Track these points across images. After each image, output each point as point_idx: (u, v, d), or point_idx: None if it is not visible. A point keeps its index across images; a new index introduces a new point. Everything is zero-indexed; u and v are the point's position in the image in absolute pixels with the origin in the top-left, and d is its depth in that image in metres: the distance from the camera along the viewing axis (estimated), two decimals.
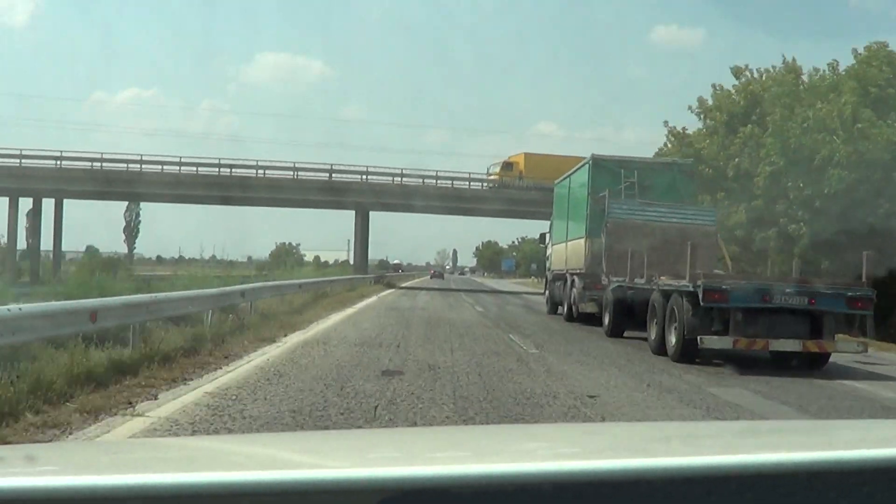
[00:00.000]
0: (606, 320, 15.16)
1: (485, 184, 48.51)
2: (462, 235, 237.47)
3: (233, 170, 46.64)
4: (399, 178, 47.28)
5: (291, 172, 47.10)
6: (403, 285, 50.03)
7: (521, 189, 46.07)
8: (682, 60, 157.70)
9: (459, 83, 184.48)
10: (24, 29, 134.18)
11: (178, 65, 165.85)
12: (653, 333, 12.14)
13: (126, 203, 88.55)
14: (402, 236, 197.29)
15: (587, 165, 18.18)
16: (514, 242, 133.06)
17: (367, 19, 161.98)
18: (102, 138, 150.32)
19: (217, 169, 46.27)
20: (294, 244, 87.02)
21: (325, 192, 46.66)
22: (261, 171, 46.77)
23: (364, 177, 47.82)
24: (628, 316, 14.15)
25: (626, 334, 14.44)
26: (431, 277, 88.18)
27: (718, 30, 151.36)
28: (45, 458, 1.49)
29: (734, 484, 1.16)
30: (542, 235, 25.21)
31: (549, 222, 24.03)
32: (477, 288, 53.44)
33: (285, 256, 78.19)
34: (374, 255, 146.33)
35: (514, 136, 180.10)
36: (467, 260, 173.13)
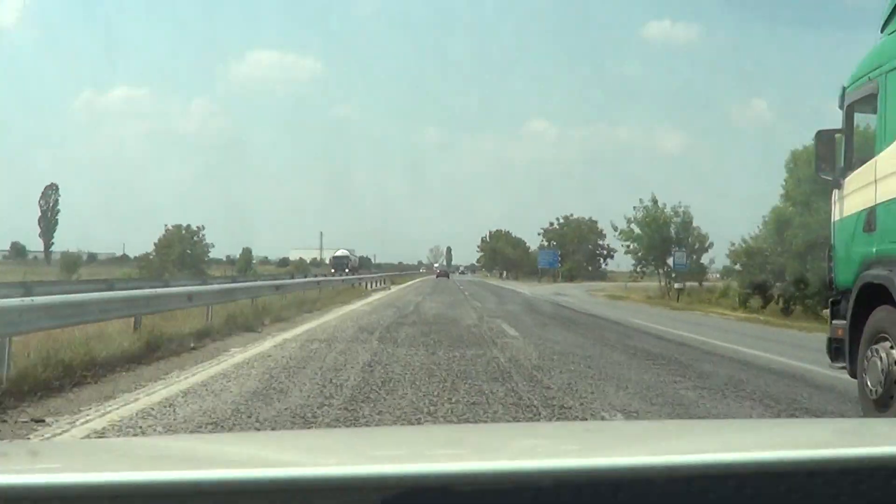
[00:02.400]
0: None
1: None
2: (456, 232, 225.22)
3: None
4: None
5: None
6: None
7: None
8: (676, 57, 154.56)
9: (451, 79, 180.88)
10: (11, 28, 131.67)
11: (171, 63, 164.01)
12: None
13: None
14: (391, 234, 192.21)
15: None
16: (552, 224, 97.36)
17: (359, 15, 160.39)
18: (92, 138, 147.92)
19: None
20: (196, 227, 54.24)
21: None
22: None
23: None
24: None
25: None
26: (437, 277, 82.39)
27: (716, 26, 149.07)
28: (48, 455, 1.51)
29: (734, 481, 1.16)
30: (825, 136, 7.06)
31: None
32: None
33: (177, 245, 51.94)
34: (362, 252, 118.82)
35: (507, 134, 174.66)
36: (462, 258, 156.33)
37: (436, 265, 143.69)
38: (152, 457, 1.58)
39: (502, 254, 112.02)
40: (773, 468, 1.20)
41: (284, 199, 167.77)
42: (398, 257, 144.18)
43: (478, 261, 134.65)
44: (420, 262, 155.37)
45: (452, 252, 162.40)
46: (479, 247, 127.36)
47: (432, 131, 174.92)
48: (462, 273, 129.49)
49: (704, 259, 47.25)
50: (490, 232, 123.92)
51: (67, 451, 1.85)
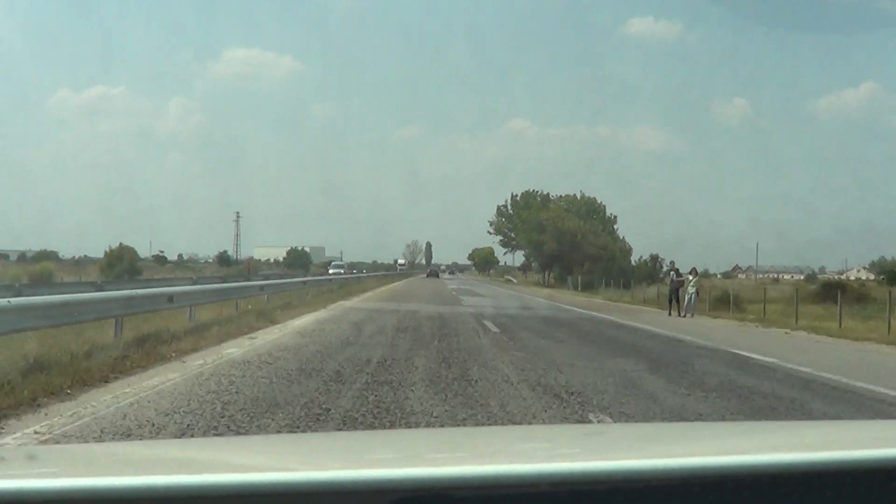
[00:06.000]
0: None
1: None
2: (438, 232, 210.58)
3: None
4: None
5: None
6: None
7: None
8: (661, 56, 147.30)
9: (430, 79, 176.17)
10: None
11: (155, 61, 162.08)
12: None
13: None
14: (369, 233, 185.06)
15: None
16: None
17: (336, 10, 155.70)
18: (72, 139, 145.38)
19: None
20: None
21: None
22: None
23: None
24: None
25: None
26: (427, 276, 77.00)
27: (697, 23, 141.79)
28: (46, 459, 1.51)
29: (731, 484, 1.16)
30: None
31: None
32: None
33: None
34: (332, 252, 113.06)
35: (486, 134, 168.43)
36: (443, 257, 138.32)
37: (401, 262, 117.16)
38: (151, 461, 1.58)
39: (531, 238, 57.04)
40: (771, 471, 1.20)
41: (255, 195, 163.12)
42: (374, 256, 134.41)
43: (469, 257, 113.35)
44: (396, 261, 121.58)
45: (433, 250, 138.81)
46: (491, 224, 77.84)
47: (412, 129, 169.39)
48: (452, 273, 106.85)
49: None
50: (514, 196, 70.17)
51: (65, 455, 1.85)
